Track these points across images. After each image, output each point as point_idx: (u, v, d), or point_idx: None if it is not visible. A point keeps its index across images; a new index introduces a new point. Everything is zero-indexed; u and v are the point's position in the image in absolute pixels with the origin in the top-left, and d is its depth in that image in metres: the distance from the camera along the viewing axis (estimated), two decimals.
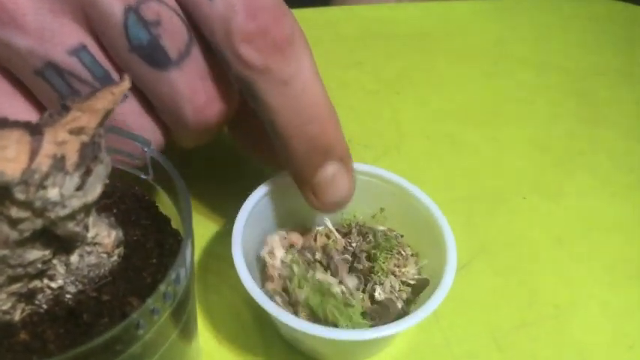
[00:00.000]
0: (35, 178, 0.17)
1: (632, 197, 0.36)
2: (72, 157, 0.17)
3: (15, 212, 0.17)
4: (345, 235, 0.30)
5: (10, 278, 0.19)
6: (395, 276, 0.27)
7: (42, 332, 0.20)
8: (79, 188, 0.18)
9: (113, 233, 0.21)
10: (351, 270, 0.28)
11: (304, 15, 0.47)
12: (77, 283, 0.20)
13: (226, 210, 0.32)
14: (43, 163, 0.17)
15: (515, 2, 0.54)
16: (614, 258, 0.33)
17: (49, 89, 0.24)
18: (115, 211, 0.23)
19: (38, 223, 0.18)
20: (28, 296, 0.20)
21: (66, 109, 0.18)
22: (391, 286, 0.27)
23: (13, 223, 0.17)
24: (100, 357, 0.18)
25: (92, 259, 0.20)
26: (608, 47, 0.49)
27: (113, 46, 0.23)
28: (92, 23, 0.23)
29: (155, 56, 0.23)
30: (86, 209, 0.18)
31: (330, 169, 0.26)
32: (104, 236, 0.21)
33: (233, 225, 0.26)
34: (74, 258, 0.20)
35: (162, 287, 0.18)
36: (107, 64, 0.24)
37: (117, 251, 0.21)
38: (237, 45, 0.23)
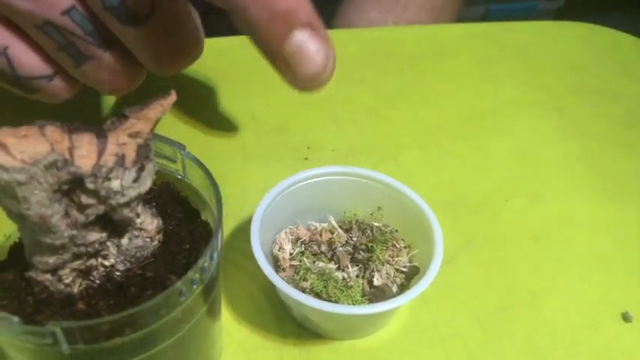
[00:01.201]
0: (102, 171, 0.21)
1: (601, 201, 0.40)
2: (130, 156, 0.21)
3: (84, 199, 0.21)
4: (347, 230, 0.34)
5: (74, 255, 0.23)
6: (390, 264, 0.31)
7: (95, 303, 0.24)
8: (135, 181, 0.22)
9: (155, 222, 0.25)
10: (352, 260, 0.32)
11: None
12: (126, 262, 0.24)
13: (242, 209, 0.36)
14: (109, 160, 0.21)
15: (502, 27, 0.58)
16: (583, 253, 0.37)
17: (49, 41, 0.27)
18: (154, 204, 0.27)
19: (101, 208, 0.22)
20: (85, 272, 0.24)
21: (125, 117, 0.22)
22: (387, 273, 0.31)
23: (82, 208, 0.21)
24: (148, 319, 0.22)
25: (139, 242, 0.24)
26: (585, 67, 0.53)
27: (91, 3, 0.26)
28: None
29: (124, 16, 0.26)
30: (138, 199, 0.22)
31: (298, 37, 0.24)
32: (148, 223, 0.24)
33: (249, 223, 0.30)
34: (124, 240, 0.24)
35: (200, 262, 0.22)
36: (93, 21, 0.27)
37: (157, 237, 0.25)
38: None
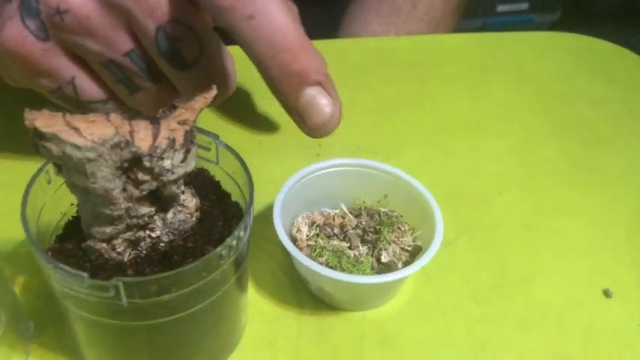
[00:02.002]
0: (157, 152, 0.24)
1: (584, 193, 0.44)
2: (179, 140, 0.25)
3: (140, 176, 0.25)
4: (357, 216, 0.37)
5: (127, 227, 0.26)
6: (396, 244, 0.35)
7: (143, 270, 0.27)
8: (182, 161, 0.25)
9: (194, 200, 0.28)
10: (362, 241, 0.35)
11: (318, 46, 0.55)
12: (169, 234, 0.28)
13: (261, 199, 0.39)
14: (162, 142, 0.24)
15: (496, 36, 0.62)
16: (568, 238, 0.40)
17: (110, 74, 0.32)
18: (191, 186, 0.30)
19: (154, 184, 0.25)
20: (135, 243, 0.27)
21: (174, 107, 0.25)
22: (393, 252, 0.34)
23: (138, 183, 0.25)
24: (192, 279, 0.25)
25: (181, 217, 0.28)
26: (572, 74, 0.56)
27: (149, 49, 0.31)
28: (136, 34, 0.31)
29: (175, 61, 0.30)
30: (184, 177, 0.26)
31: (309, 93, 0.29)
32: (189, 201, 0.28)
33: (267, 210, 0.34)
34: (169, 215, 0.27)
35: (236, 232, 0.26)
36: (147, 61, 0.31)
37: (196, 214, 0.29)
38: None
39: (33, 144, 0.24)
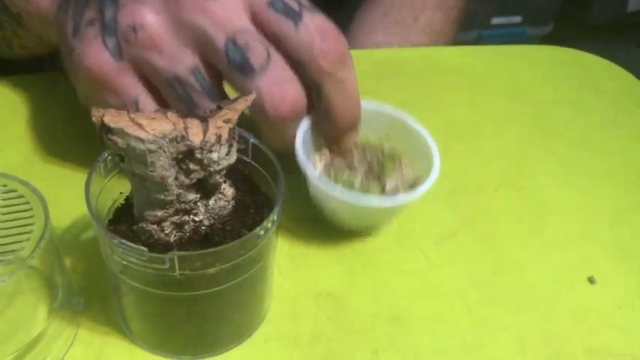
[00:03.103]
0: (207, 146, 0.28)
1: (572, 192, 0.47)
2: (224, 136, 0.28)
3: (191, 166, 0.28)
4: (362, 150, 0.41)
5: (176, 211, 0.30)
6: (397, 176, 0.39)
7: (187, 249, 0.31)
8: (227, 154, 0.29)
9: (231, 190, 0.32)
10: (369, 171, 0.40)
11: None
12: (210, 218, 0.31)
13: None
14: (211, 137, 0.28)
15: (491, 50, 0.66)
16: (557, 231, 0.44)
17: (174, 93, 0.34)
18: (228, 178, 0.34)
19: (201, 174, 0.29)
20: (180, 226, 0.31)
21: (220, 108, 0.29)
22: (396, 182, 0.39)
23: (188, 173, 0.28)
24: (232, 255, 0.29)
25: (221, 203, 0.31)
26: (562, 84, 0.60)
27: (218, 62, 0.34)
28: (203, 49, 0.34)
29: (245, 68, 0.33)
30: (227, 169, 0.30)
31: (353, 135, 0.39)
32: (227, 190, 0.32)
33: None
34: (211, 202, 0.31)
35: (271, 216, 0.29)
36: (210, 78, 0.35)
37: (232, 202, 0.32)
38: (318, 59, 0.34)
39: (99, 137, 0.28)
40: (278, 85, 0.34)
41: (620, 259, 0.42)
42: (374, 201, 0.37)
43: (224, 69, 0.34)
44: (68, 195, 0.37)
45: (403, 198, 0.37)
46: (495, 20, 1.82)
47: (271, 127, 0.36)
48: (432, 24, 0.71)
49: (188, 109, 0.35)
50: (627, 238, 0.44)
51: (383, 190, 0.39)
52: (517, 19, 1.85)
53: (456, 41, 0.73)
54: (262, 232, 0.29)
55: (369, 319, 0.36)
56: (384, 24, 0.71)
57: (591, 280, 0.40)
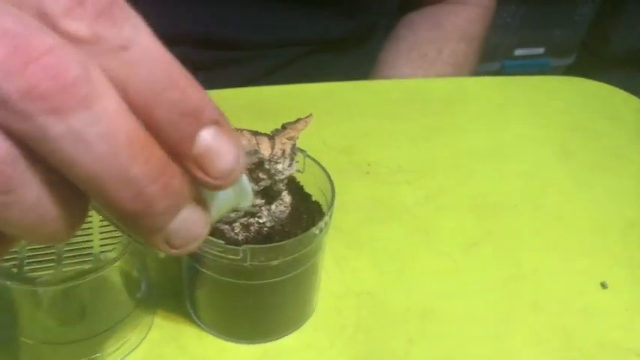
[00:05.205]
0: (274, 158, 0.34)
1: (588, 207, 0.52)
2: (287, 150, 0.35)
3: (260, 175, 0.34)
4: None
5: (245, 213, 0.36)
6: None
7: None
8: (289, 166, 0.35)
9: (289, 197, 0.38)
10: None
11: (360, 85, 0.66)
12: (272, 221, 0.37)
13: None
14: (277, 152, 0.34)
15: (513, 80, 0.71)
16: (572, 242, 0.48)
17: None
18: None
19: (268, 182, 0.35)
20: (246, 227, 0.37)
21: (284, 128, 0.35)
22: None
23: (257, 181, 0.35)
24: (292, 250, 0.35)
25: (281, 208, 0.37)
26: (580, 112, 0.65)
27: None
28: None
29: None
30: (288, 178, 0.36)
31: (207, 134, 0.20)
32: (286, 197, 0.38)
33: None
34: (273, 206, 0.37)
35: (325, 218, 0.35)
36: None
37: (289, 208, 0.38)
38: (59, 21, 0.18)
39: None
40: None
41: (629, 267, 0.47)
42: None
43: None
44: None
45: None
46: (518, 51, 1.88)
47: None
48: (455, 55, 0.76)
49: None
50: (636, 249, 0.48)
51: None
52: (540, 50, 1.90)
53: (479, 72, 0.78)
54: (317, 232, 0.35)
55: (404, 314, 0.42)
56: (408, 58, 0.75)
57: (603, 285, 0.45)
